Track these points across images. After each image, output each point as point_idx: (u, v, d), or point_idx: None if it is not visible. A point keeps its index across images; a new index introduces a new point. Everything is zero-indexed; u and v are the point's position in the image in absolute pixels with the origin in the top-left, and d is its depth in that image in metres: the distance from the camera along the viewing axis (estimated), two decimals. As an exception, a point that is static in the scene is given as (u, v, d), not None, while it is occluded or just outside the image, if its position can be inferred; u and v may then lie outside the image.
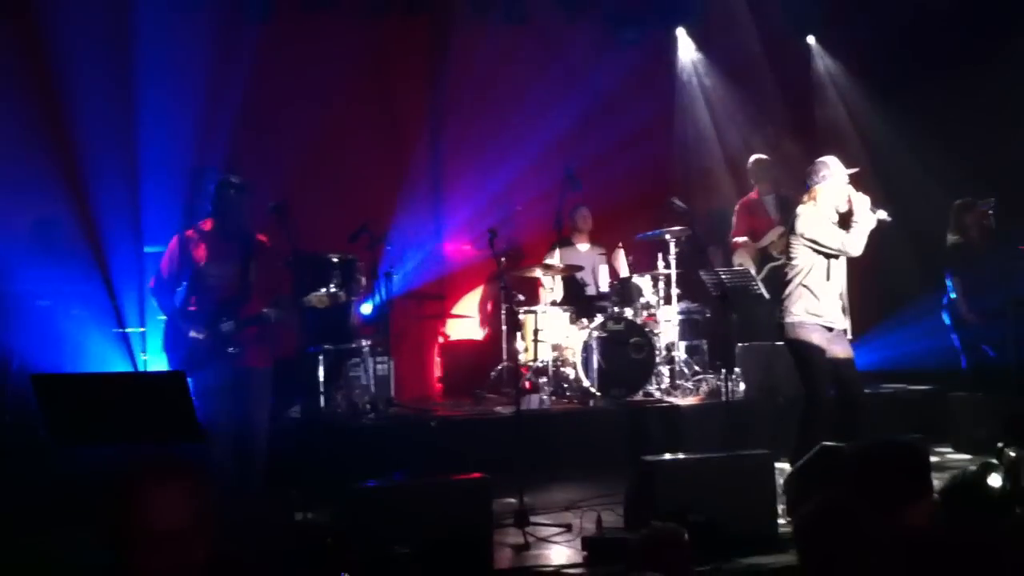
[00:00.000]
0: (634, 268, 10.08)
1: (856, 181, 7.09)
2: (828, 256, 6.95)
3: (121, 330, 8.06)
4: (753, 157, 10.42)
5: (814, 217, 6.96)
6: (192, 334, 6.30)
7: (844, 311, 7.11)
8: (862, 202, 6.91)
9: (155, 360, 8.05)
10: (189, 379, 6.14)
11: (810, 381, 7.00)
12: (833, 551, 2.96)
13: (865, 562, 2.94)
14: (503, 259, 9.17)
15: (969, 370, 9.19)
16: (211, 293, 6.41)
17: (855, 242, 6.85)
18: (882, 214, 6.96)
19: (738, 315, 9.55)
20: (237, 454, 6.44)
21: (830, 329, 6.97)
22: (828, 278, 6.97)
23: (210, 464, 6.23)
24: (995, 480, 4.55)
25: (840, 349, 7.03)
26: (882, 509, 3.25)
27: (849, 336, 7.22)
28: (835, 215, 6.99)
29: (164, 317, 6.67)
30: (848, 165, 7.09)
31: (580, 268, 10.07)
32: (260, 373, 6.53)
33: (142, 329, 8.16)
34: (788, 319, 6.99)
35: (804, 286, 6.97)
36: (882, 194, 10.89)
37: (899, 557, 2.99)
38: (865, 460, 3.61)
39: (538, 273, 9.86)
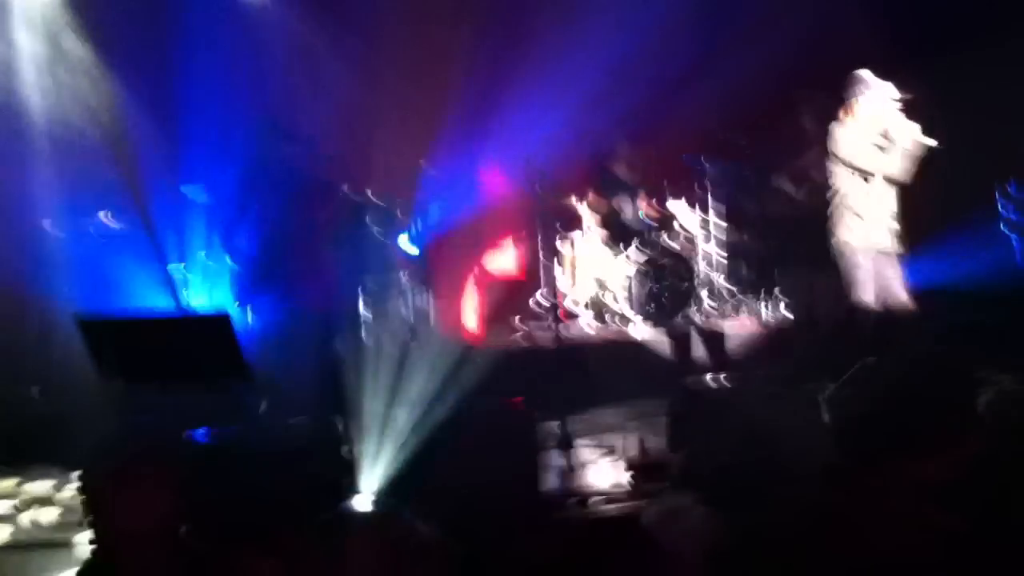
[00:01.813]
0: (679, 196, 9.99)
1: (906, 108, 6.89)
2: (867, 177, 6.82)
3: (163, 267, 8.12)
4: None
5: (849, 135, 6.83)
6: None
7: (894, 233, 6.98)
8: (905, 127, 6.73)
9: (198, 296, 8.13)
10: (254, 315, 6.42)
11: (854, 302, 6.95)
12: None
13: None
14: (542, 191, 9.16)
15: None
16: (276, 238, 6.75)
17: (894, 165, 6.69)
18: (930, 141, 6.77)
19: (779, 237, 9.48)
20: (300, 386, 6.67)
21: (876, 252, 6.88)
22: (870, 200, 6.85)
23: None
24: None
25: (889, 273, 6.94)
26: (924, 431, 3.15)
27: (900, 253, 7.10)
28: (875, 134, 6.85)
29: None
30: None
31: (621, 197, 10.01)
32: (324, 309, 6.92)
33: (182, 264, 8.22)
34: (833, 241, 6.93)
35: (846, 208, 6.87)
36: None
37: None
38: (905, 377, 3.50)
39: (575, 202, 9.81)
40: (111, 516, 2.82)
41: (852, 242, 6.84)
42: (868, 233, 6.82)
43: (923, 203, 10.37)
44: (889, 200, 6.94)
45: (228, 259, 6.84)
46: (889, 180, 6.86)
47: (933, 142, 6.77)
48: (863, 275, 6.86)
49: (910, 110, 6.90)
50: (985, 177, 9.41)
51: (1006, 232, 9.19)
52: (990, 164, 9.23)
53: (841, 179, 6.84)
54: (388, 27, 10.15)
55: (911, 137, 6.71)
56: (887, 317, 6.92)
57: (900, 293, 6.97)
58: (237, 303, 6.87)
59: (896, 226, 6.98)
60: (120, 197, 8.26)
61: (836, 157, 6.83)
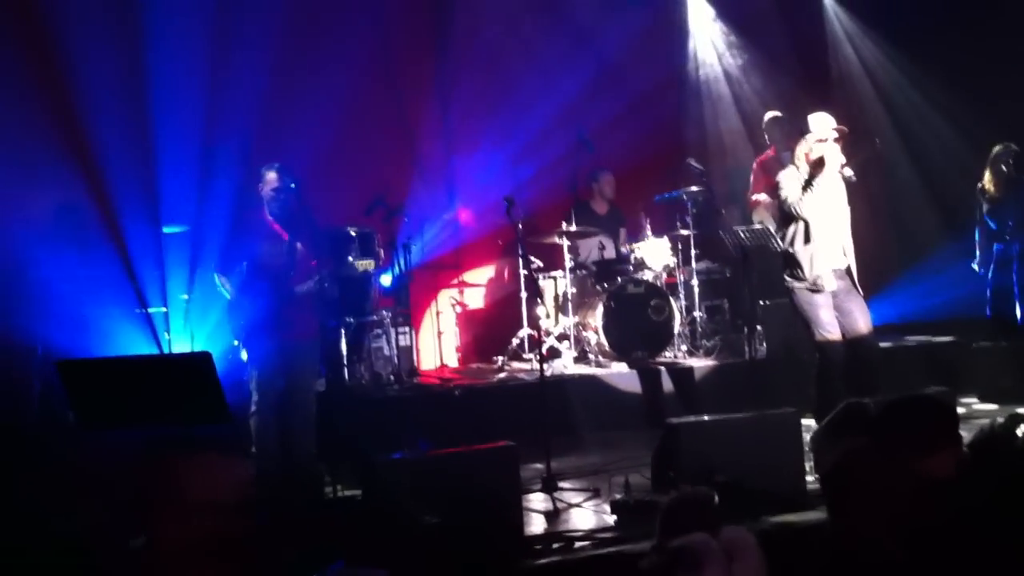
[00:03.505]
0: (652, 230, 10.04)
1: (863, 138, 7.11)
2: (800, 217, 6.96)
3: (144, 311, 8.08)
4: (768, 115, 10.34)
5: (786, 178, 7.02)
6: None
7: (842, 269, 7.08)
8: (825, 158, 6.90)
9: (178, 340, 8.09)
10: (245, 348, 6.40)
11: (815, 342, 7.05)
12: (860, 498, 2.99)
13: (891, 508, 2.96)
14: (520, 226, 9.18)
15: (993, 319, 9.19)
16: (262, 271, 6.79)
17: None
18: (847, 171, 6.95)
19: (758, 273, 9.51)
20: (284, 425, 6.70)
21: (821, 291, 6.98)
22: (807, 240, 6.98)
23: (256, 437, 6.59)
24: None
25: (846, 307, 7.03)
26: (906, 460, 3.27)
27: (857, 289, 7.16)
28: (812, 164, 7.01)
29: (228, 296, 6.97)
30: (838, 123, 7.08)
31: (598, 232, 10.04)
32: (308, 345, 6.85)
33: (164, 309, 8.18)
34: (786, 284, 7.09)
35: (790, 251, 7.04)
36: (900, 143, 10.93)
37: (924, 505, 3.01)
38: (888, 413, 3.63)
39: (556, 239, 9.84)
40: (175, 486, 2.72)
41: (795, 285, 6.99)
42: (807, 274, 6.96)
43: (894, 237, 10.63)
44: (837, 237, 7.07)
45: (224, 291, 6.86)
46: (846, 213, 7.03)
47: (851, 174, 6.98)
48: (816, 313, 6.98)
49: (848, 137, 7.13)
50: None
51: (975, 269, 9.31)
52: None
53: (787, 222, 7.04)
54: (361, 66, 10.19)
55: (821, 170, 6.93)
56: (853, 355, 7.00)
57: (857, 327, 7.04)
58: (236, 342, 6.90)
59: (848, 260, 7.09)
60: (99, 238, 8.22)
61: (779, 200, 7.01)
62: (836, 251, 7.09)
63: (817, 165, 6.96)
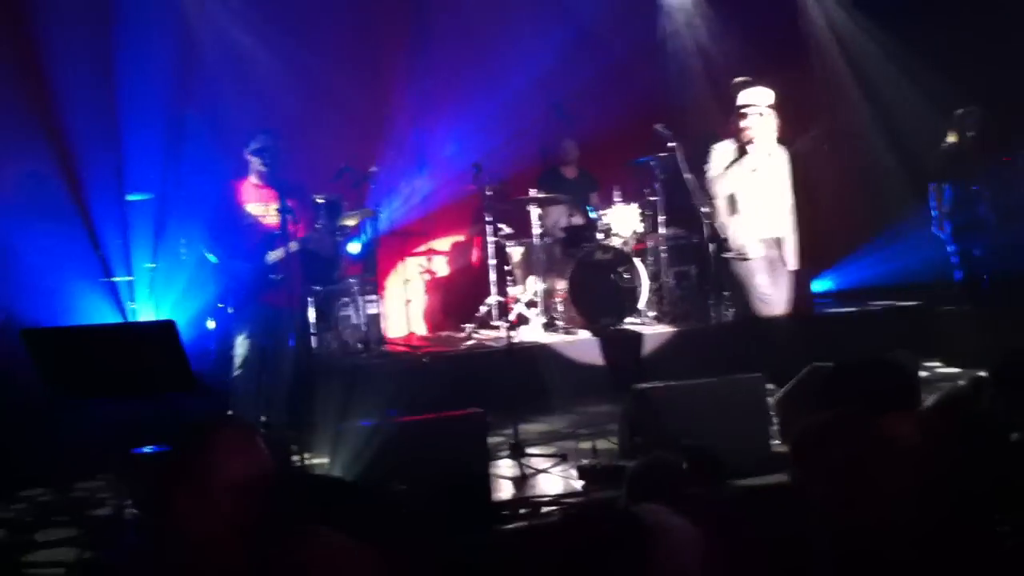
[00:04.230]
0: (624, 197, 10.02)
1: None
2: (718, 194, 7.28)
3: (108, 280, 8.02)
4: (736, 80, 10.30)
5: (715, 152, 7.36)
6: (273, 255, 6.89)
7: (771, 239, 7.24)
8: (751, 133, 7.17)
9: (144, 309, 8.03)
10: (234, 309, 6.72)
11: (751, 309, 7.31)
12: (826, 463, 3.02)
13: (853, 473, 3.00)
14: (489, 192, 9.17)
15: (962, 283, 9.28)
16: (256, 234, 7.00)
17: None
18: (775, 146, 7.29)
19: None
20: (262, 389, 6.98)
21: (749, 258, 7.20)
22: (733, 211, 7.19)
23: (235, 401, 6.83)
24: (982, 395, 4.58)
25: (765, 277, 7.22)
26: (863, 422, 3.31)
27: (791, 263, 7.35)
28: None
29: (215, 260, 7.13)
30: (779, 96, 7.35)
31: (566, 199, 10.03)
32: (290, 310, 7.16)
33: (130, 278, 8.11)
34: (721, 255, 7.32)
35: (718, 222, 7.38)
36: (870, 110, 10.95)
37: (888, 469, 3.05)
38: (844, 376, 3.67)
39: (524, 205, 9.83)
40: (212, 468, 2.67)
41: (726, 254, 7.10)
42: (735, 244, 7.16)
43: (863, 203, 10.69)
44: (767, 208, 7.24)
45: (209, 255, 6.95)
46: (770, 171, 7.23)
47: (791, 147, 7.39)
48: (741, 280, 7.22)
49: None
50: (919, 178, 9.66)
51: (937, 234, 9.39)
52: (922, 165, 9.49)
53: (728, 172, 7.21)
54: (329, 31, 10.11)
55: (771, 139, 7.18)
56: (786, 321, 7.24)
57: (771, 297, 7.23)
58: (222, 304, 7.12)
59: (779, 231, 7.28)
60: (63, 206, 8.14)
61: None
62: (764, 222, 7.23)
63: (743, 139, 7.13)
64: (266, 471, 2.72)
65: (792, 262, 7.33)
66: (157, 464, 2.75)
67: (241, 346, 6.95)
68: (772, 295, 7.22)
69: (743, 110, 7.24)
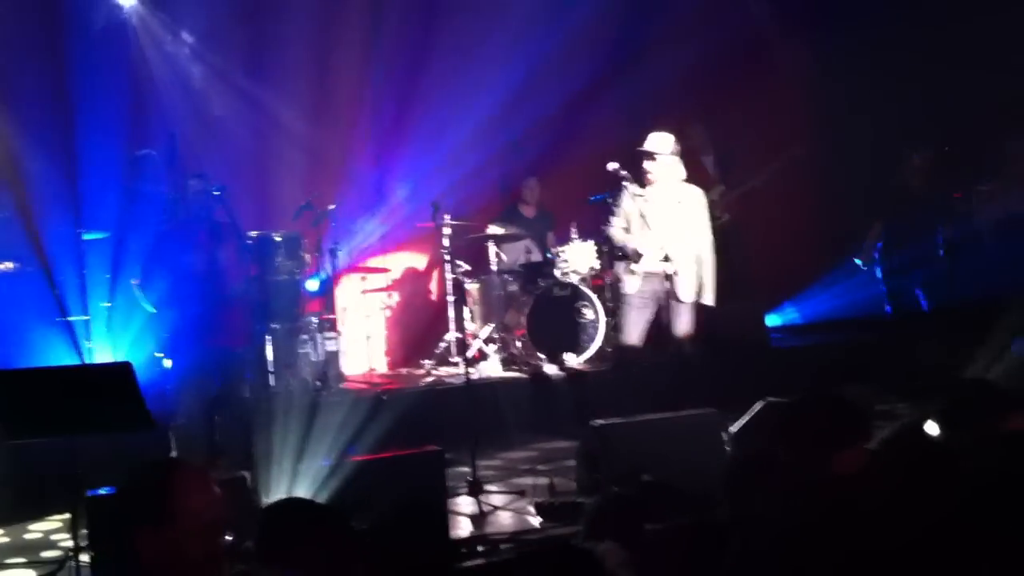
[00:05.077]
0: (581, 234, 10.08)
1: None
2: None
3: (64, 319, 7.96)
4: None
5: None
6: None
7: (659, 274, 7.52)
8: (652, 176, 7.66)
9: (100, 348, 7.98)
10: (171, 360, 6.47)
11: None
12: (754, 497, 3.07)
13: (785, 506, 3.05)
14: (448, 230, 9.22)
15: (894, 317, 9.48)
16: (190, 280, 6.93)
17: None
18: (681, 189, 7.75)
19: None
20: (213, 432, 6.92)
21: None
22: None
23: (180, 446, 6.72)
24: (932, 429, 4.66)
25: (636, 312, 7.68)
26: (810, 458, 3.37)
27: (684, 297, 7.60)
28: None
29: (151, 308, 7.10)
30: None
31: (525, 235, 10.10)
32: (241, 351, 7.16)
33: (86, 317, 8.06)
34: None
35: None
36: (828, 144, 11.09)
37: (821, 502, 3.10)
38: (794, 412, 3.73)
39: (484, 242, 9.87)
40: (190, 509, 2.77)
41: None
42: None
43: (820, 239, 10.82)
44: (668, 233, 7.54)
45: (145, 303, 6.87)
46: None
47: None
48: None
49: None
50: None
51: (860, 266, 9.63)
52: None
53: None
54: (287, 69, 10.14)
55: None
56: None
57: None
58: (160, 353, 6.89)
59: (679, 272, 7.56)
60: (18, 244, 8.09)
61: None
62: (657, 256, 7.50)
63: (646, 182, 7.60)
64: (221, 511, 2.80)
65: (688, 296, 7.58)
66: (115, 505, 2.82)
67: (180, 395, 6.91)
68: (636, 330, 7.65)
69: (644, 156, 7.64)
